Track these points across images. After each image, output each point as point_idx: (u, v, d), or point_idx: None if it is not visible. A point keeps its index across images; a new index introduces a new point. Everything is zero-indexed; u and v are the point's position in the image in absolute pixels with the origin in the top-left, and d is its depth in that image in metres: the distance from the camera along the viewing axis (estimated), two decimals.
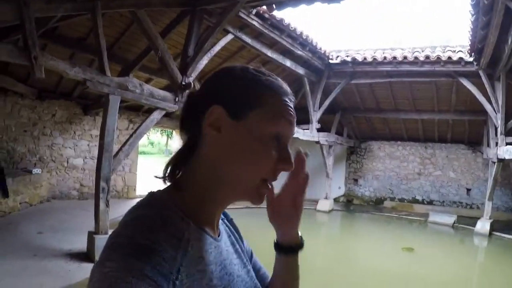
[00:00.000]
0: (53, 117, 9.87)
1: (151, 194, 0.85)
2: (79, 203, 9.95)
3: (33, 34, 4.94)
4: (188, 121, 0.88)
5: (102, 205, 6.17)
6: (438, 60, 10.55)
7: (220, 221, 0.98)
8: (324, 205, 13.95)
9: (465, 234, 11.56)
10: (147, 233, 0.71)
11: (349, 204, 16.11)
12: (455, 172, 14.55)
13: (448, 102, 12.61)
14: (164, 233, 0.73)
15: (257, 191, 0.85)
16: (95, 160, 9.48)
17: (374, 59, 11.34)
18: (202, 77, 10.01)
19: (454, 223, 12.26)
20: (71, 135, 10.28)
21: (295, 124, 0.90)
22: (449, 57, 10.40)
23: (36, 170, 9.14)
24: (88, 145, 10.62)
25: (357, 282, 7.24)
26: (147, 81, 9.52)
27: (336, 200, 15.83)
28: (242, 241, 1.08)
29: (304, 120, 12.72)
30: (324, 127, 13.27)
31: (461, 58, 10.24)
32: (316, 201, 14.21)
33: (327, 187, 14.16)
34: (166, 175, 0.87)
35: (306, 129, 12.47)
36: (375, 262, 8.70)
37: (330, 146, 13.99)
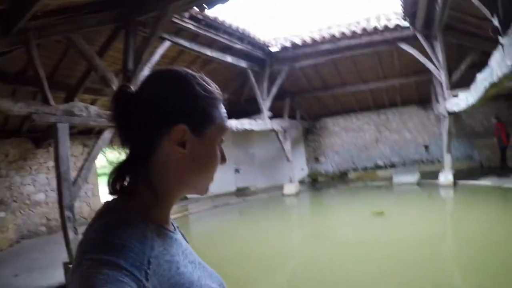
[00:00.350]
0: (6, 157, 9.53)
1: (107, 203, 0.90)
2: (49, 238, 9.68)
3: None
4: (132, 131, 0.91)
5: (71, 234, 6.05)
6: (375, 30, 10.90)
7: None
8: (290, 188, 14.17)
9: (431, 189, 11.97)
10: (115, 234, 0.78)
11: (314, 183, 16.44)
12: (410, 133, 15.15)
13: (392, 68, 13.06)
14: (130, 232, 0.79)
15: (208, 187, 1.00)
16: (56, 192, 9.35)
17: (313, 40, 11.55)
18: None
19: (418, 180, 12.81)
20: (27, 171, 9.97)
21: None
22: (386, 25, 10.76)
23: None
24: (47, 178, 10.33)
25: (336, 254, 7.36)
26: (93, 102, 9.41)
27: (301, 181, 16.08)
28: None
29: (255, 110, 12.87)
30: (276, 114, 13.40)
31: (397, 25, 10.61)
32: (282, 187, 14.43)
33: (290, 170, 14.37)
34: (111, 184, 0.90)
35: (259, 119, 12.59)
36: (350, 233, 8.88)
37: (285, 131, 14.17)
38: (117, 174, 0.90)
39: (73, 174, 6.33)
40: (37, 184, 10.16)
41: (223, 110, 0.98)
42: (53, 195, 10.10)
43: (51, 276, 6.58)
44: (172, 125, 0.87)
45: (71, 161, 6.31)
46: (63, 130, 6.16)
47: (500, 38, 4.71)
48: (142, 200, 0.89)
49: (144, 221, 0.85)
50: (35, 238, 9.72)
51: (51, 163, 10.18)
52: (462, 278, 5.81)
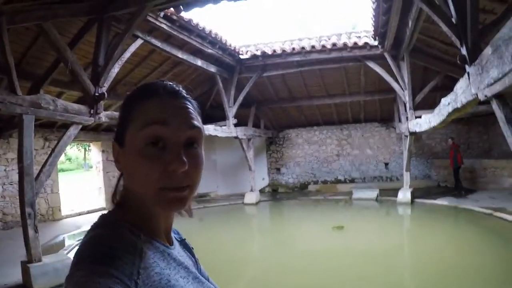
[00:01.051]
0: None
1: (102, 216, 0.91)
2: (5, 233, 9.30)
3: None
4: None
5: (31, 232, 5.83)
6: (345, 47, 11.13)
7: (174, 239, 1.06)
8: (251, 197, 14.18)
9: (389, 206, 12.30)
10: (106, 245, 0.79)
11: (275, 193, 16.49)
12: (372, 149, 15.57)
13: (358, 84, 13.39)
14: (121, 243, 0.80)
15: (159, 198, 0.85)
16: (15, 186, 8.99)
17: (283, 51, 11.65)
18: (114, 86, 9.83)
19: (377, 196, 13.08)
20: None
21: (183, 116, 0.89)
22: (355, 43, 11.02)
23: None
24: (5, 170, 9.91)
25: (293, 264, 7.45)
26: (59, 95, 9.11)
27: (262, 191, 16.19)
28: (197, 263, 1.15)
29: (220, 116, 12.92)
30: (241, 122, 13.39)
31: (366, 43, 10.88)
32: (243, 195, 14.46)
33: (251, 179, 14.40)
34: (112, 195, 0.96)
35: (224, 126, 12.60)
36: (309, 244, 9.02)
37: (249, 139, 14.24)
38: (116, 185, 0.95)
39: (34, 168, 6.10)
40: None
41: (144, 105, 0.88)
42: (11, 189, 9.76)
43: (8, 274, 6.34)
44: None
45: (35, 155, 6.08)
46: (28, 122, 5.96)
47: (467, 66, 4.92)
48: (131, 212, 0.90)
49: (135, 233, 0.85)
50: None
51: (10, 155, 9.83)
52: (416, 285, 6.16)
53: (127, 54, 7.89)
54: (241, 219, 12.83)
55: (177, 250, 0.99)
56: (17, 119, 6.16)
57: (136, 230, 0.86)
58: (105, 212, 0.92)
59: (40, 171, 6.27)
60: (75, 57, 6.65)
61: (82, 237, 0.89)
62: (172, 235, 1.03)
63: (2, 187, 9.87)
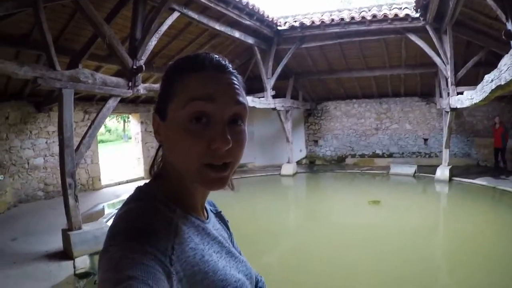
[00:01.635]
0: (6, 120, 9.41)
1: (138, 188, 0.92)
2: (47, 203, 9.71)
3: None
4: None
5: (71, 201, 6.07)
6: (385, 18, 10.73)
7: (210, 210, 1.07)
8: (288, 169, 14.24)
9: (427, 182, 12.07)
10: (141, 219, 0.79)
11: (311, 165, 16.48)
12: (411, 124, 15.14)
13: (399, 57, 12.96)
14: (155, 218, 0.81)
15: (200, 176, 0.84)
16: (56, 157, 9.29)
17: (322, 22, 11.39)
18: (151, 59, 9.91)
19: (415, 172, 12.86)
20: (27, 135, 9.89)
21: (228, 92, 0.85)
22: (396, 14, 10.59)
23: None
24: (47, 142, 10.26)
25: (329, 237, 7.52)
26: (97, 69, 9.28)
27: (299, 163, 16.13)
28: (232, 237, 1.15)
29: (258, 88, 12.86)
30: (279, 93, 13.36)
31: (407, 15, 10.44)
32: (280, 166, 14.52)
33: (289, 151, 14.41)
34: (150, 167, 0.96)
35: (262, 97, 12.59)
36: (344, 218, 9.03)
37: (287, 111, 14.15)
38: (155, 157, 0.95)
39: (74, 140, 6.26)
40: (37, 149, 10.09)
41: (189, 79, 0.85)
42: (52, 160, 10.09)
43: (50, 241, 6.63)
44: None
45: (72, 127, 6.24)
46: (68, 96, 6.11)
47: None
48: (168, 185, 0.90)
49: (170, 207, 0.86)
50: (33, 203, 9.74)
51: (51, 128, 10.13)
52: (448, 267, 6.12)
53: (164, 27, 7.89)
54: (278, 191, 12.94)
55: (211, 224, 1.00)
56: (56, 93, 6.31)
57: (172, 204, 0.87)
58: (141, 184, 0.93)
59: (80, 143, 6.44)
60: (112, 31, 6.68)
61: (117, 209, 0.89)
62: (208, 207, 1.05)
63: (44, 158, 10.21)
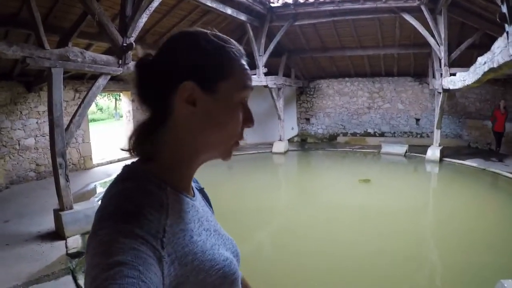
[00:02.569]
0: None
1: (126, 167, 0.90)
2: (38, 183, 9.65)
3: None
4: (149, 94, 0.90)
5: (62, 181, 6.04)
6: None
7: (194, 186, 1.06)
8: (279, 146, 14.30)
9: (418, 162, 12.18)
10: (131, 201, 0.77)
11: (303, 143, 16.56)
12: (403, 104, 15.14)
13: (392, 37, 12.89)
14: (147, 200, 0.79)
15: (229, 151, 0.94)
16: (47, 137, 9.19)
17: None
18: (142, 35, 9.76)
19: (406, 152, 12.94)
20: (17, 116, 9.70)
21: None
22: None
23: None
24: (37, 122, 10.10)
25: (319, 215, 7.62)
26: (88, 47, 9.12)
27: (290, 140, 16.26)
28: (212, 212, 1.14)
29: (250, 65, 12.58)
30: (271, 71, 13.33)
31: None
32: (271, 144, 14.58)
33: (280, 129, 14.44)
34: (131, 147, 0.91)
35: (254, 74, 12.51)
36: (334, 196, 9.13)
37: (279, 89, 14.11)
38: (138, 136, 0.91)
39: (65, 119, 6.19)
40: (27, 129, 9.95)
41: (242, 66, 0.92)
42: (43, 141, 9.98)
43: (42, 222, 6.63)
44: (179, 84, 0.85)
45: (62, 106, 6.15)
46: (57, 75, 6.00)
47: (506, 25, 4.66)
48: (161, 164, 0.89)
49: (161, 187, 0.85)
50: (24, 184, 9.67)
51: (42, 108, 9.99)
52: (436, 246, 6.25)
53: (155, 4, 7.70)
54: (269, 168, 13.05)
55: (198, 201, 1.01)
56: (46, 72, 6.21)
57: (163, 183, 0.86)
58: (129, 162, 0.91)
59: (70, 122, 6.37)
60: (101, 8, 6.53)
61: (106, 188, 0.87)
62: (192, 184, 1.03)
63: (35, 139, 10.10)
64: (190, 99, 0.85)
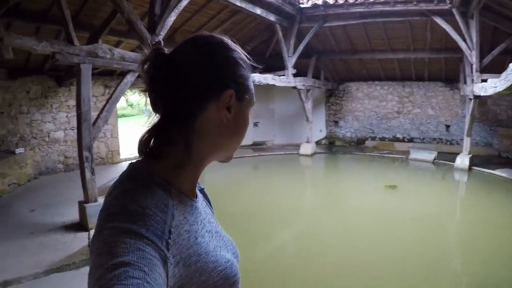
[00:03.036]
0: (27, 94, 9.57)
1: (132, 166, 0.90)
2: (66, 175, 9.92)
3: None
4: (170, 93, 0.89)
5: (88, 174, 6.19)
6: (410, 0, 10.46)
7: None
8: (306, 148, 14.18)
9: (446, 170, 11.81)
10: (137, 202, 0.77)
11: (331, 146, 16.36)
12: (433, 109, 14.74)
13: (423, 40, 12.60)
14: (153, 200, 0.79)
15: (232, 155, 1.02)
16: (76, 131, 9.43)
17: (346, 0, 11.22)
18: (171, 34, 9.87)
19: (434, 159, 12.59)
20: (48, 109, 10.03)
21: None
22: None
23: (19, 150, 8.99)
24: (67, 116, 10.40)
25: (343, 220, 7.52)
26: (117, 44, 9.32)
27: (318, 143, 16.09)
28: (212, 212, 1.14)
29: (279, 66, 12.79)
30: (300, 72, 13.20)
31: None
32: (299, 145, 14.47)
33: (308, 130, 14.31)
34: (141, 144, 0.91)
35: (283, 75, 12.50)
36: (359, 201, 8.99)
37: (307, 90, 14.00)
38: (149, 134, 0.91)
39: (93, 114, 6.33)
40: (57, 122, 10.25)
41: (252, 79, 0.99)
42: (72, 134, 10.23)
43: (67, 213, 6.79)
44: (223, 90, 0.89)
45: (91, 101, 6.29)
46: (86, 71, 6.14)
47: None
48: (168, 164, 0.89)
49: (166, 188, 0.85)
50: (52, 175, 9.96)
51: (72, 102, 10.24)
52: (461, 257, 6.09)
53: (184, 3, 7.77)
54: (295, 170, 12.96)
55: (200, 202, 1.01)
56: (75, 68, 6.33)
57: (168, 184, 0.86)
58: (135, 162, 0.92)
59: (98, 117, 6.51)
60: (131, 6, 6.65)
61: (112, 186, 0.87)
62: None
63: (64, 132, 10.38)
64: (228, 106, 0.91)
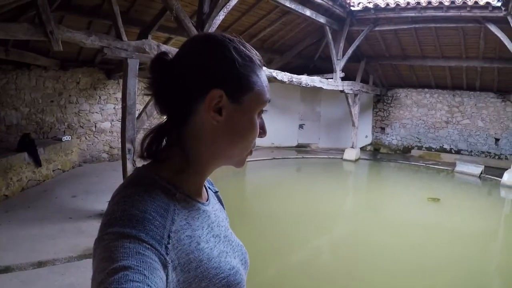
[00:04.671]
0: (77, 85, 9.98)
1: (137, 170, 0.91)
2: (110, 164, 10.24)
3: (46, 9, 5.08)
4: (169, 95, 0.89)
5: (129, 165, 6.34)
6: (464, 5, 10.05)
7: (209, 189, 1.08)
8: (351, 154, 13.95)
9: (492, 186, 11.23)
10: (137, 206, 0.77)
11: (376, 152, 15.99)
12: (483, 121, 14.02)
13: (476, 48, 12.03)
14: (153, 205, 0.79)
15: (243, 159, 0.96)
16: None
17: (397, 4, 10.96)
18: (222, 32, 9.96)
19: (481, 173, 11.95)
20: (96, 100, 10.42)
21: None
22: (476, 2, 9.88)
23: (66, 138, 9.39)
24: (114, 108, 10.75)
25: (382, 230, 7.37)
26: (167, 40, 9.53)
27: (363, 149, 15.77)
28: (226, 216, 1.13)
29: (328, 69, 12.70)
30: (349, 76, 13.04)
31: (488, 3, 9.70)
32: (343, 150, 14.28)
33: (353, 136, 14.09)
34: (144, 148, 0.91)
35: (330, 78, 12.35)
36: (401, 211, 8.81)
37: (355, 95, 13.77)
38: (152, 138, 0.91)
39: (140, 108, 6.48)
40: (104, 113, 10.61)
41: (264, 78, 0.93)
42: (118, 125, 10.51)
43: (106, 201, 6.95)
44: (208, 90, 0.85)
45: (139, 95, 6.45)
46: (132, 66, 6.33)
47: None
48: (172, 167, 0.89)
49: (171, 191, 0.85)
50: (97, 163, 10.32)
51: (119, 95, 10.53)
52: (503, 281, 5.78)
53: (232, 2, 7.82)
54: (337, 174, 12.83)
55: (211, 205, 1.01)
56: (122, 62, 6.51)
57: (173, 188, 0.86)
58: (141, 166, 0.92)
59: (143, 110, 6.70)
60: (179, 4, 6.76)
61: (116, 191, 0.87)
62: (207, 185, 1.05)
63: (111, 123, 10.72)
64: (217, 108, 0.86)
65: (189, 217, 0.86)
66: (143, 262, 0.68)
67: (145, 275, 0.66)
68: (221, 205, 1.15)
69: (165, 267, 0.73)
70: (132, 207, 0.77)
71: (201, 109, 0.86)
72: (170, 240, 0.76)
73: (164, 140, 0.92)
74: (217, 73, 0.86)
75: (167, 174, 0.87)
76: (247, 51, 0.91)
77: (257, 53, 0.95)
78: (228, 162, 0.96)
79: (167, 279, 0.73)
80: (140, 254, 0.69)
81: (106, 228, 0.75)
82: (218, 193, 1.17)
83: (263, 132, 0.95)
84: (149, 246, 0.71)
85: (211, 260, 0.86)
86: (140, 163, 0.94)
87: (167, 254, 0.74)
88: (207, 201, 0.98)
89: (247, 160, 0.98)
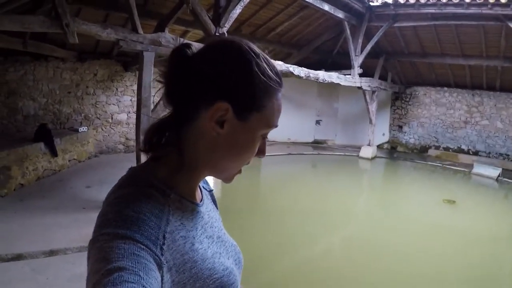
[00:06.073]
0: (94, 77, 10.11)
1: (132, 170, 0.91)
2: (125, 156, 10.35)
3: (62, 2, 5.12)
4: (178, 91, 0.88)
5: (143, 157, 6.35)
6: (485, 2, 9.80)
7: (203, 188, 1.08)
8: (367, 151, 13.83)
9: (509, 189, 11.00)
10: (132, 207, 0.77)
11: (392, 151, 15.83)
12: (503, 123, 13.66)
13: (497, 47, 11.73)
14: (147, 205, 0.78)
15: (231, 176, 0.95)
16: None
17: (417, 0, 10.76)
18: (238, 26, 9.97)
19: (498, 176, 11.69)
20: (113, 92, 10.54)
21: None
22: None
23: (82, 128, 9.55)
24: (131, 100, 10.84)
25: (395, 231, 7.26)
26: (184, 33, 9.56)
27: (379, 147, 15.61)
28: (219, 217, 1.13)
29: (346, 65, 12.61)
30: (367, 72, 12.87)
31: (510, 1, 9.44)
32: (359, 148, 14.18)
33: (370, 133, 13.97)
34: (145, 143, 0.92)
35: (348, 75, 12.24)
36: (415, 212, 8.67)
37: (373, 92, 13.63)
38: (153, 130, 0.92)
39: (156, 100, 6.51)
40: (121, 105, 10.72)
41: (278, 102, 0.90)
42: (135, 117, 10.61)
43: None
44: (216, 101, 0.83)
45: (154, 88, 6.48)
46: (148, 59, 6.37)
47: None
48: (168, 167, 0.89)
49: (165, 192, 0.85)
50: (113, 155, 10.44)
51: (136, 87, 10.62)
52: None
53: None
54: (353, 172, 12.77)
55: (205, 206, 1.01)
56: (139, 55, 6.55)
57: (167, 188, 0.86)
58: (135, 166, 0.94)
59: (158, 103, 6.73)
60: None
61: (110, 191, 0.88)
62: (201, 184, 1.05)
63: (127, 115, 10.83)
64: (220, 120, 0.85)
65: (183, 218, 0.86)
66: (138, 263, 0.68)
67: (140, 275, 0.66)
68: (215, 205, 1.14)
69: (160, 267, 0.73)
70: (127, 207, 0.77)
71: (205, 117, 0.85)
72: (165, 241, 0.76)
73: (164, 137, 0.92)
74: (230, 86, 0.84)
75: (161, 175, 0.87)
76: (268, 71, 0.87)
77: (279, 73, 0.90)
78: (218, 175, 0.95)
79: (162, 279, 0.73)
80: (135, 255, 0.69)
81: (100, 229, 0.75)
82: (212, 191, 1.16)
83: (261, 153, 0.94)
84: (144, 247, 0.71)
85: (205, 261, 0.86)
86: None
87: (162, 254, 0.74)
88: (201, 201, 0.98)
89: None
